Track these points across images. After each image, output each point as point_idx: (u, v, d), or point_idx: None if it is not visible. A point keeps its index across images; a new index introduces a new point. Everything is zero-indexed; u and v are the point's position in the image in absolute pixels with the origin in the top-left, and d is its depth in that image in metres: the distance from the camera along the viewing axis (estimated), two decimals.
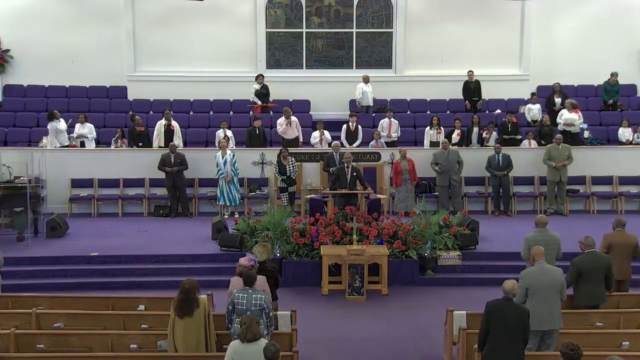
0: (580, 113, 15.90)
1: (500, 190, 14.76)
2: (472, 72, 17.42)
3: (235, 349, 6.55)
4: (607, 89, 17.43)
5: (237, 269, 8.24)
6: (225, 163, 14.20)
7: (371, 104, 17.27)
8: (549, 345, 7.60)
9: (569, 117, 15.67)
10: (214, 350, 7.40)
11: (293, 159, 14.20)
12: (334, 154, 14.06)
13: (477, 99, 17.47)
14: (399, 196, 14.42)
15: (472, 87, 17.47)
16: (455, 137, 15.50)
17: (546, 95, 17.59)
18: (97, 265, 11.73)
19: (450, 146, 14.71)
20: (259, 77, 17.15)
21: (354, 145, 15.50)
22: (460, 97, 17.67)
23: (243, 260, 8.26)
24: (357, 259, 10.77)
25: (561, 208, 14.64)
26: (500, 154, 14.63)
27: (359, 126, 15.78)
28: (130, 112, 16.72)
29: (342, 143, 15.33)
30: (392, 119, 16.01)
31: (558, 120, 15.82)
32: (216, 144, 15.54)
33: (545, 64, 18.24)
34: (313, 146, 15.57)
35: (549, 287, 7.63)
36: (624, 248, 9.14)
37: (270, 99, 17.27)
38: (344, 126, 15.79)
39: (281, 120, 15.63)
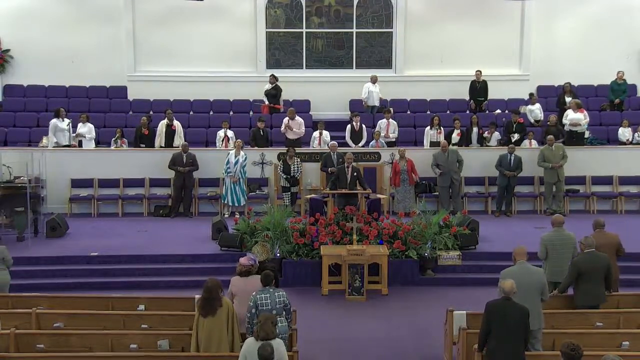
0: (585, 112, 15.87)
1: (505, 191, 14.71)
2: (480, 71, 17.32)
3: (248, 346, 6.57)
4: (614, 88, 17.37)
5: (237, 269, 8.24)
6: (236, 163, 14.21)
7: (377, 104, 17.28)
8: (532, 345, 7.58)
9: (574, 117, 15.62)
10: (238, 350, 7.33)
11: (298, 159, 14.27)
12: (332, 154, 14.06)
13: (482, 99, 17.41)
14: (397, 196, 14.42)
15: (478, 87, 17.40)
16: (456, 137, 15.48)
17: (546, 96, 17.58)
18: (97, 265, 11.73)
19: (449, 146, 14.69)
20: (271, 78, 17.10)
21: (360, 144, 15.49)
22: (461, 96, 17.66)
23: (243, 260, 8.26)
24: (357, 259, 10.76)
25: (559, 207, 14.61)
26: (513, 155, 14.60)
27: (363, 125, 15.79)
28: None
29: (346, 143, 15.37)
30: (391, 120, 15.99)
31: (564, 120, 15.76)
32: (216, 144, 15.57)
33: (545, 64, 18.25)
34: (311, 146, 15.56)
35: (529, 287, 7.58)
36: (607, 248, 9.08)
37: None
38: (348, 126, 15.77)
39: (285, 120, 15.66)
